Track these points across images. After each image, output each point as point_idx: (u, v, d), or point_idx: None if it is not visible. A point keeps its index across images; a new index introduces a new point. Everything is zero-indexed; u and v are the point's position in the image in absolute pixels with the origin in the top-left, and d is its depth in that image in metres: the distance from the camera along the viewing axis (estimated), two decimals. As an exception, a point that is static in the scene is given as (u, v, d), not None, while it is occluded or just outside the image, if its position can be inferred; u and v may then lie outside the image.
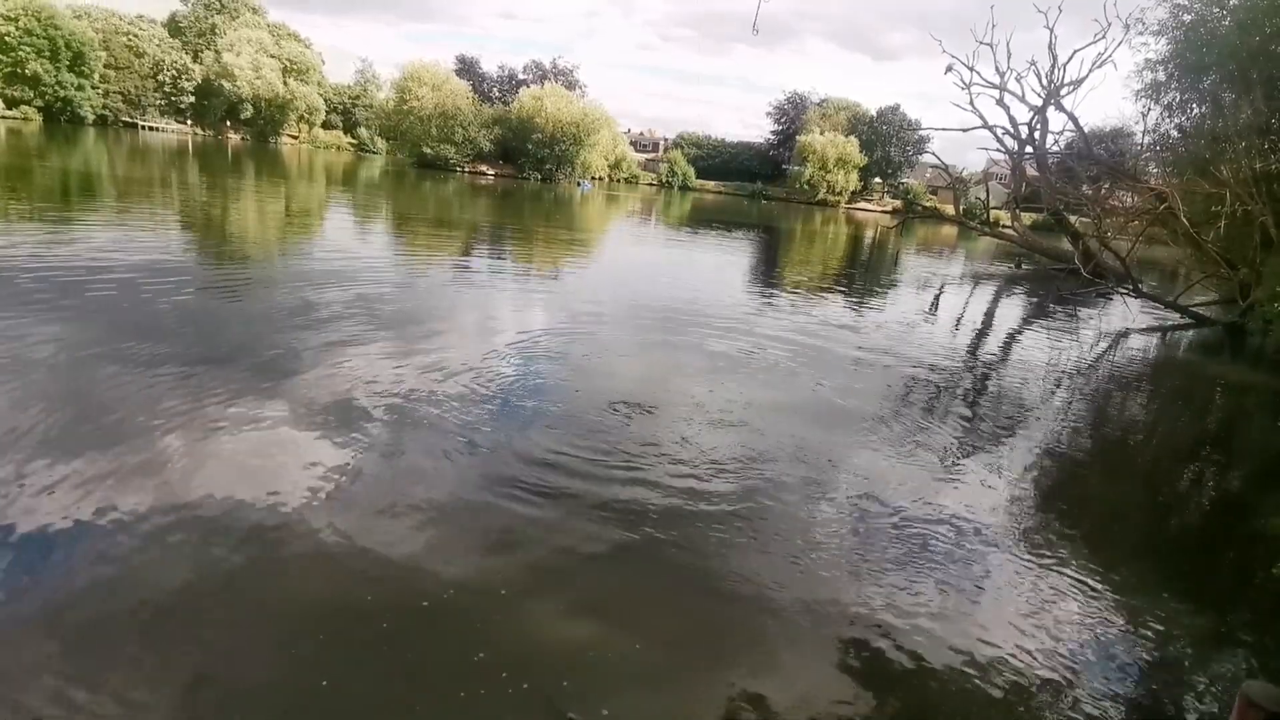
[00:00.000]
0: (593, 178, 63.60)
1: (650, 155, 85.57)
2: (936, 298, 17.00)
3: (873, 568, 4.12)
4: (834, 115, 73.15)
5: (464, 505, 4.26)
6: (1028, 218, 30.90)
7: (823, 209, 64.13)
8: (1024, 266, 24.27)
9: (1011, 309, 17.23)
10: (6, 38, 52.68)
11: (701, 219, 37.94)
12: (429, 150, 54.90)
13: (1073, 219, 20.15)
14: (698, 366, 7.99)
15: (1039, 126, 18.43)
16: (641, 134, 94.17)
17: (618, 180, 71.90)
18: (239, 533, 3.72)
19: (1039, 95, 17.92)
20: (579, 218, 30.45)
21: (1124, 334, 13.76)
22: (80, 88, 57.75)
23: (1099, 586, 4.20)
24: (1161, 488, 6.43)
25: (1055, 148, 20.24)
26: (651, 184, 75.25)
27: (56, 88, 55.83)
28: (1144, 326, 14.67)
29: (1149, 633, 3.83)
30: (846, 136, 69.23)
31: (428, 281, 11.62)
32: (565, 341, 8.44)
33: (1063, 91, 17.65)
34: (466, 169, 56.59)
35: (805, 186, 68.65)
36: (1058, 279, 18.99)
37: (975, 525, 4.79)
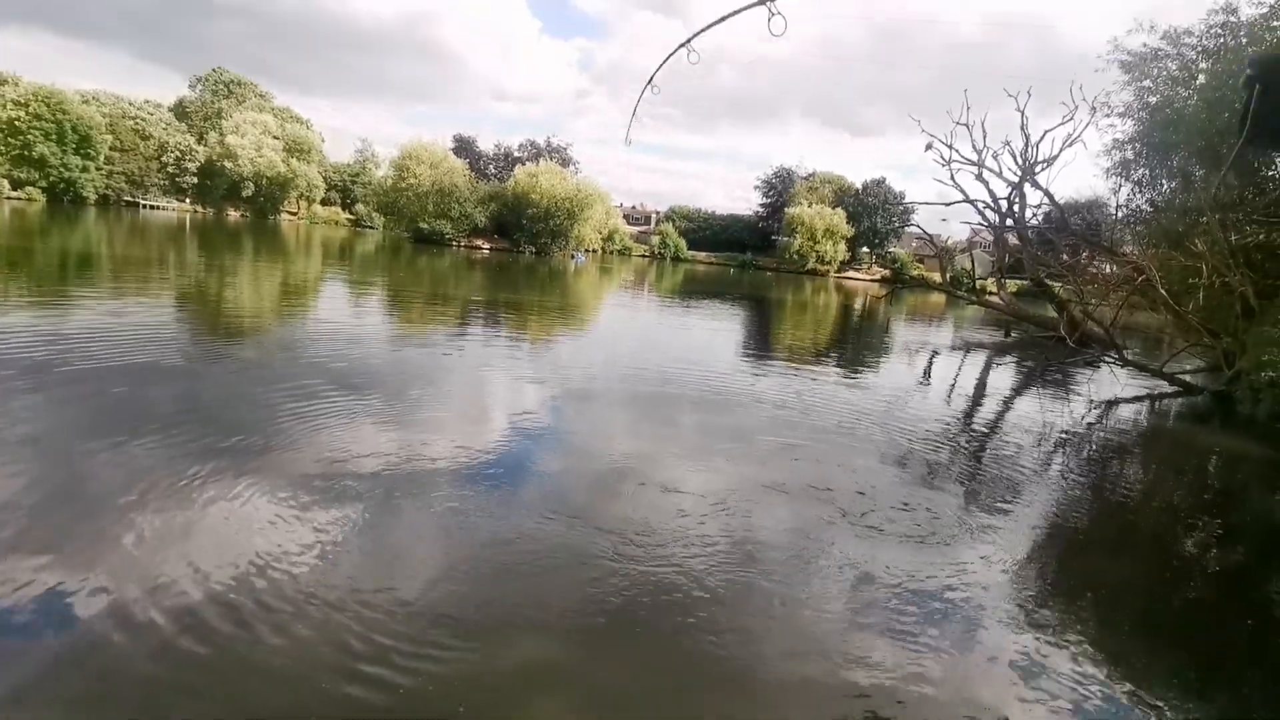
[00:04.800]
0: (587, 250, 64.92)
1: (643, 228, 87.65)
2: (929, 365, 17.13)
3: (867, 644, 3.98)
4: (820, 188, 75.55)
5: (450, 583, 4.13)
6: (1013, 285, 31.53)
7: (812, 278, 65.36)
8: (1013, 334, 24.63)
9: (1003, 377, 17.35)
10: (16, 122, 54.47)
11: (694, 290, 38.54)
12: (425, 225, 56.16)
13: (1056, 286, 20.60)
14: (688, 437, 7.95)
15: (1017, 200, 19.08)
16: (634, 207, 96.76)
17: (611, 252, 73.41)
18: (222, 606, 3.61)
19: (1015, 172, 18.64)
20: (573, 290, 30.90)
21: (1114, 402, 13.83)
22: (85, 169, 59.29)
23: (1100, 665, 4.06)
24: (1162, 561, 6.32)
25: (1034, 220, 20.90)
26: (644, 255, 76.77)
27: (61, 169, 57.31)
28: (1133, 395, 14.76)
29: (1151, 713, 3.69)
30: (833, 208, 71.34)
31: (420, 354, 11.64)
32: (556, 413, 8.41)
33: (1037, 169, 18.37)
34: (462, 243, 57.75)
35: (795, 257, 70.21)
36: (1045, 347, 19.23)
37: (972, 600, 4.67)
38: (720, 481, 6.58)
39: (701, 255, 79.37)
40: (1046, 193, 18.77)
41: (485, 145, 76.05)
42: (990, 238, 22.69)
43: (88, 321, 11.23)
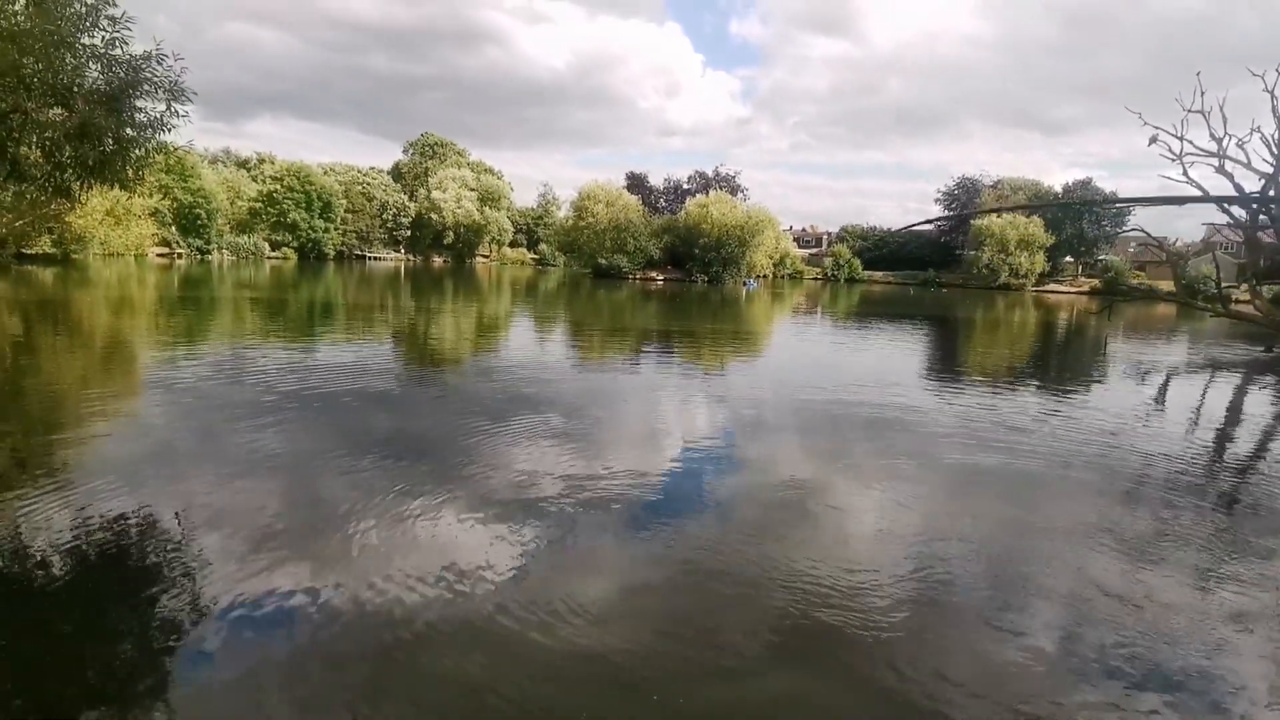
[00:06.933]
0: (758, 276, 64.64)
1: (813, 250, 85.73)
2: (1163, 387, 14.88)
3: (1077, 707, 3.45)
4: (1011, 196, 69.30)
5: (625, 597, 4.26)
6: (1269, 291, 26.53)
7: (1005, 294, 59.76)
8: (1276, 349, 20.67)
9: (1265, 400, 14.60)
10: (274, 194, 65.90)
11: (870, 312, 36.85)
12: (603, 261, 59.16)
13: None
14: (869, 461, 7.53)
15: (1273, 192, 16.12)
16: (804, 230, 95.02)
17: (782, 277, 72.51)
18: (419, 612, 4.00)
19: (1269, 161, 15.77)
20: (745, 316, 30.85)
21: None
22: (326, 230, 70.18)
23: None
24: None
25: (1299, 213, 17.46)
26: (816, 278, 74.92)
27: (309, 231, 68.25)
28: None
29: None
30: (1028, 216, 65.03)
31: (601, 381, 12.22)
32: (729, 436, 8.39)
33: (1299, 152, 15.38)
34: (637, 276, 60.02)
35: (984, 271, 64.77)
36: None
37: (1215, 676, 3.87)
38: (905, 505, 6.17)
39: (878, 274, 75.83)
40: (1314, 180, 15.63)
41: (656, 180, 78.68)
42: (1236, 237, 19.30)
43: (327, 355, 13.15)
